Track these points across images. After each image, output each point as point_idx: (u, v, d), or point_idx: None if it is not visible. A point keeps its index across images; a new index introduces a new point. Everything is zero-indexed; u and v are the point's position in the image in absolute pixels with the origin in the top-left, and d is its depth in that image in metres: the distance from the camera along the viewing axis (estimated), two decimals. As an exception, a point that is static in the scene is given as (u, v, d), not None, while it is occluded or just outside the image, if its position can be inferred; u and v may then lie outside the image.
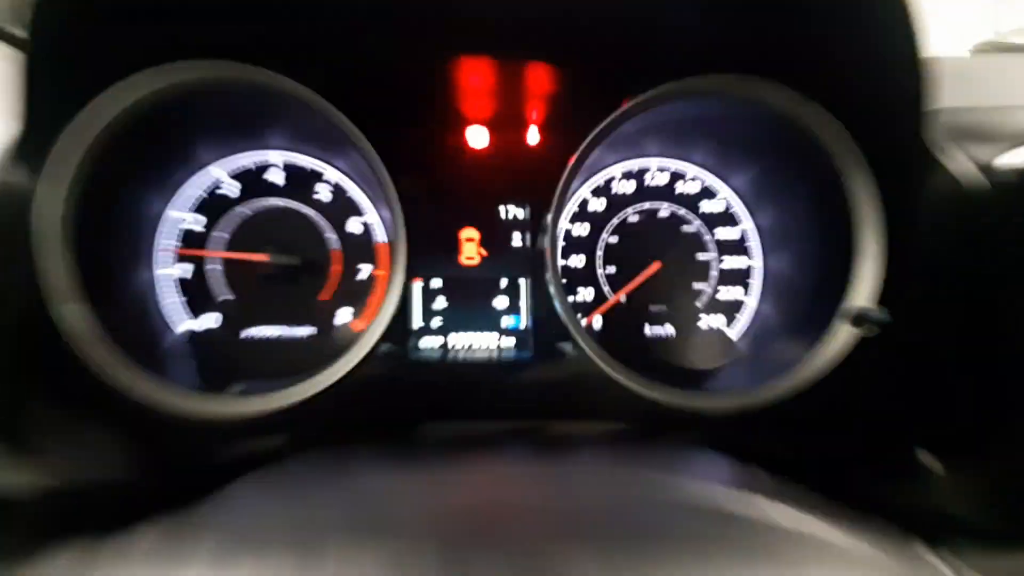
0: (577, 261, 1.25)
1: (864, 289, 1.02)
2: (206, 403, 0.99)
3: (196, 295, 1.19)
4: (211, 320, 1.19)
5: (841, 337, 1.03)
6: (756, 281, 1.27)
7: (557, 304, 1.07)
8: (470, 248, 1.19)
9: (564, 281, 1.25)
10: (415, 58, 1.06)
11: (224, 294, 1.20)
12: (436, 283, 1.18)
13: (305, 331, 1.21)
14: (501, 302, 1.18)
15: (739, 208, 1.28)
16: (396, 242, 1.06)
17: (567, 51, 1.04)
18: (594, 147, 1.08)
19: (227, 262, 1.20)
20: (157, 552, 0.56)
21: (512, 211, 1.19)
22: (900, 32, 0.88)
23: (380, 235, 1.22)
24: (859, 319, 1.01)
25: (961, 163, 0.94)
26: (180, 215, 1.20)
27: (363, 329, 1.17)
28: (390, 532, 0.49)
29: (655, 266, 1.23)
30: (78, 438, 0.96)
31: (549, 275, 1.08)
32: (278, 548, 0.51)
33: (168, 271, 1.19)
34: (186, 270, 1.19)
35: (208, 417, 0.98)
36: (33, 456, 0.88)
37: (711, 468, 0.86)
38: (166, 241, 1.19)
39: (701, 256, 1.27)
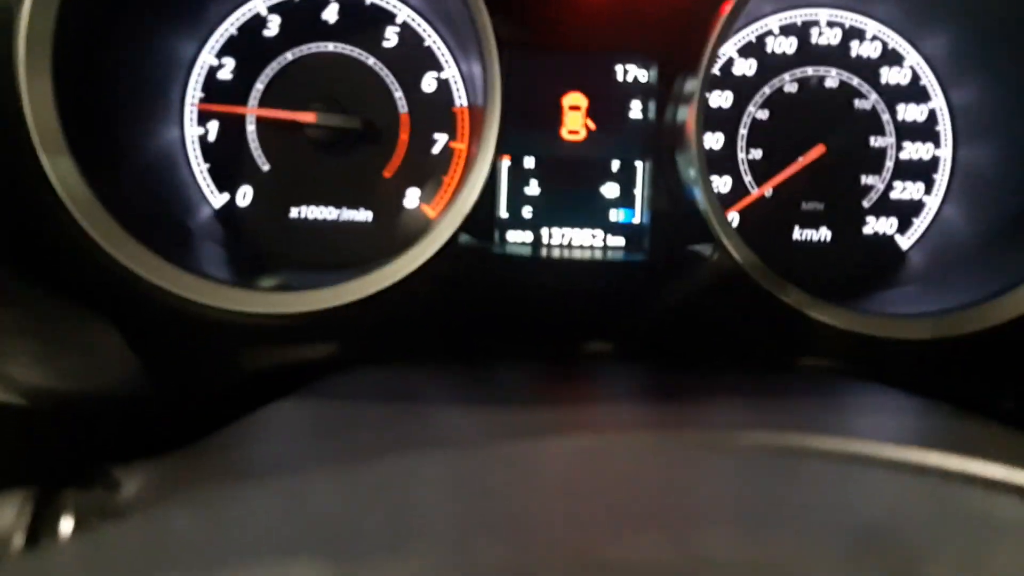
0: (713, 141, 0.99)
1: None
2: (235, 297, 0.77)
3: (222, 164, 0.95)
4: (242, 196, 0.95)
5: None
6: (943, 176, 0.99)
7: (699, 193, 0.80)
8: (574, 119, 0.96)
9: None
10: None
11: (259, 164, 0.94)
12: (529, 162, 0.95)
13: (362, 215, 0.97)
14: (610, 190, 0.96)
15: (930, 80, 0.99)
16: (488, 106, 0.79)
17: None
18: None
19: (262, 123, 0.94)
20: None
21: (632, 72, 0.96)
22: None
23: (460, 97, 0.96)
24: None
25: None
26: (206, 59, 0.94)
27: (437, 216, 0.93)
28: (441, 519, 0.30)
29: (817, 150, 0.95)
30: (73, 335, 0.74)
31: (689, 155, 0.81)
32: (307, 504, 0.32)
33: (190, 132, 0.94)
34: (210, 130, 0.94)
35: (238, 314, 0.77)
36: (13, 360, 0.66)
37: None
38: (195, 94, 0.94)
39: (875, 141, 1.00)
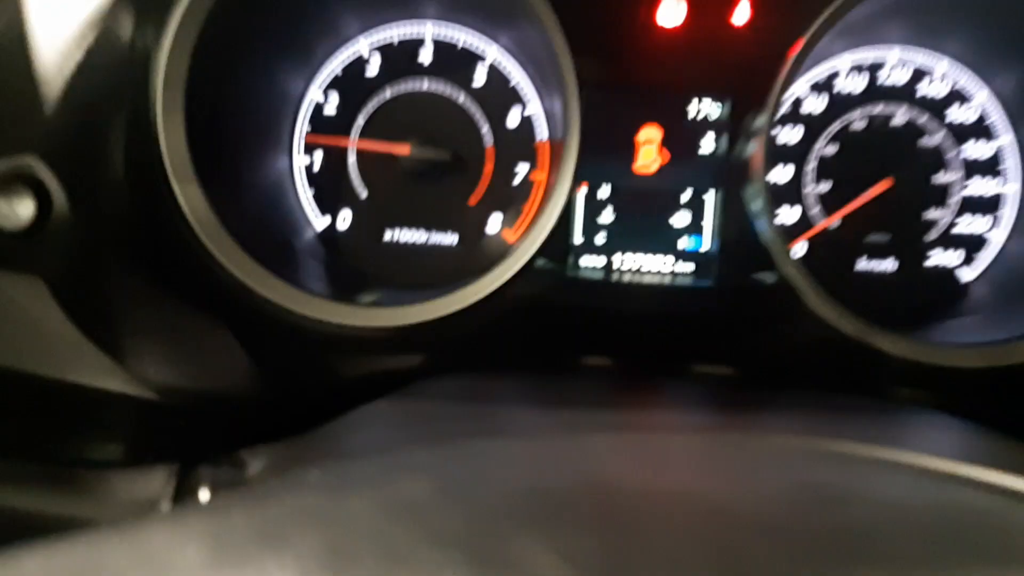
0: (781, 174, 1.04)
1: None
2: (335, 311, 0.87)
3: (325, 190, 1.05)
4: (342, 220, 1.04)
5: None
6: (1009, 212, 1.02)
7: (763, 224, 0.86)
8: (648, 151, 1.01)
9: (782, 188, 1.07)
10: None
11: (357, 190, 1.04)
12: (604, 192, 1.01)
13: (448, 238, 1.06)
14: (681, 219, 1.01)
15: (999, 118, 1.03)
16: (567, 139, 0.87)
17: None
18: (825, 32, 0.85)
19: (362, 153, 1.04)
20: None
21: (705, 108, 1.01)
22: None
23: (542, 131, 1.03)
24: None
25: None
26: (313, 96, 1.04)
27: (516, 241, 1.00)
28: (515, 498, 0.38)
29: (883, 185, 0.99)
30: (196, 341, 0.84)
31: (755, 188, 0.87)
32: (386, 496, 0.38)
33: (298, 161, 1.04)
34: (315, 160, 1.04)
35: (337, 326, 0.86)
36: (137, 358, 0.76)
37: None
38: (303, 127, 1.05)
39: (941, 177, 1.04)
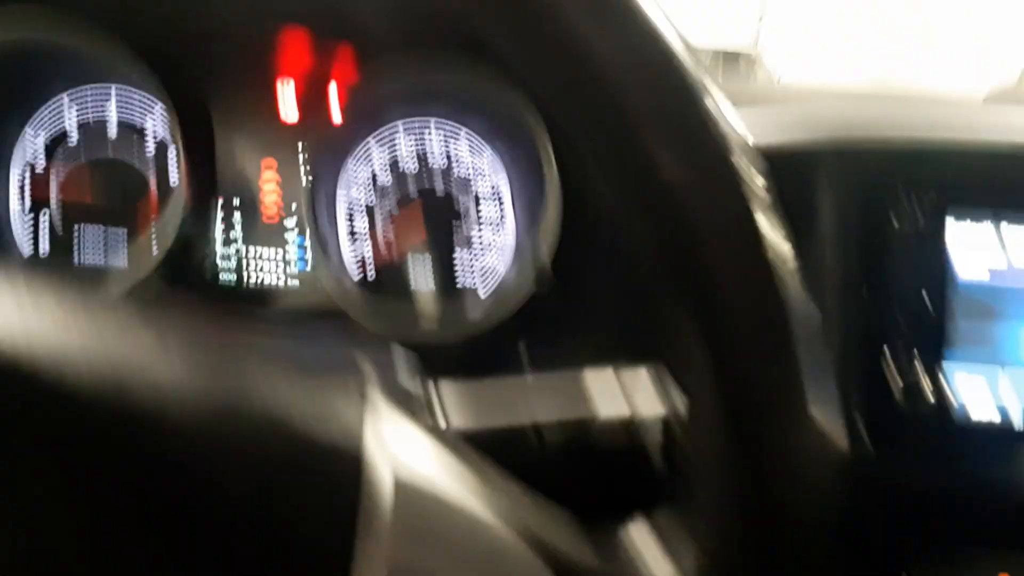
0: (360, 213, 1.47)
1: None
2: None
3: (36, 224, 1.45)
4: (44, 247, 1.45)
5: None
6: (509, 227, 1.50)
7: (317, 242, 1.33)
8: (271, 198, 1.45)
9: (348, 228, 1.49)
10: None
11: (56, 224, 1.45)
12: (237, 229, 1.43)
13: (121, 261, 1.46)
14: (292, 248, 1.45)
15: (498, 164, 1.49)
16: (200, 193, 1.33)
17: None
18: (348, 120, 1.38)
19: (63, 197, 1.44)
20: None
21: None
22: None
23: (192, 186, 1.45)
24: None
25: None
26: (29, 154, 1.44)
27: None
28: None
29: (416, 213, 1.47)
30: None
31: (320, 218, 1.35)
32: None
33: (16, 202, 1.45)
34: (26, 200, 1.45)
35: None
36: None
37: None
38: (17, 174, 1.45)
39: (470, 215, 1.50)
